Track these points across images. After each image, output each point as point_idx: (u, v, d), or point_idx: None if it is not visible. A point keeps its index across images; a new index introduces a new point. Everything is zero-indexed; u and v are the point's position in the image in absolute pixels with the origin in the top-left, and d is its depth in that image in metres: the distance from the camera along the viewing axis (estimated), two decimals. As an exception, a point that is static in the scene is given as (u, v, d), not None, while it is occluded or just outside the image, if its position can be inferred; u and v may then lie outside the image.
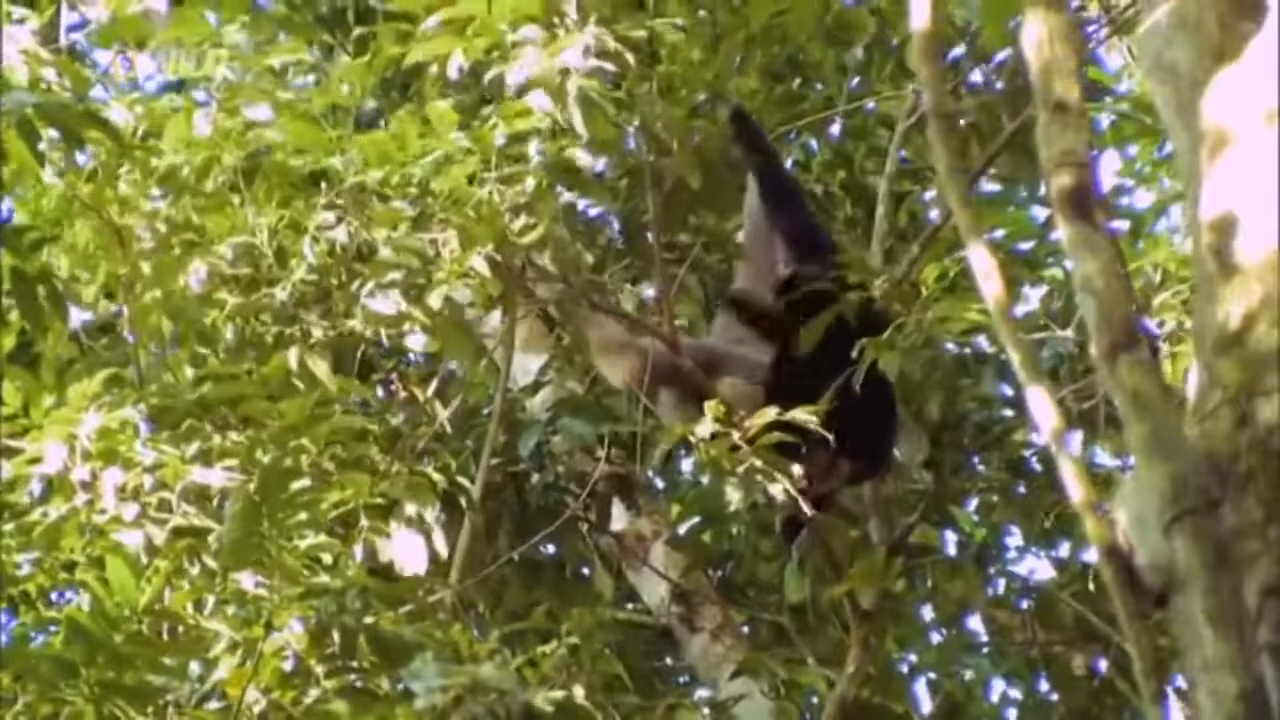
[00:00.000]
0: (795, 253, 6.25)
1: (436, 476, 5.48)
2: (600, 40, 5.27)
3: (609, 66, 5.28)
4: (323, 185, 5.28)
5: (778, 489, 5.61)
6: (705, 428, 5.56)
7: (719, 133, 5.79)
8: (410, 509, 5.34)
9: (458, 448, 6.34)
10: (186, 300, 5.27)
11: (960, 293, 5.84)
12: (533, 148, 5.26)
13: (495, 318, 6.64)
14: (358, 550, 5.21)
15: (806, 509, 5.69)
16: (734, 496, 6.24)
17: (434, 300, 5.20)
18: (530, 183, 5.22)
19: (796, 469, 5.63)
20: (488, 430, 6.22)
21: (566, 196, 5.41)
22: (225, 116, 5.39)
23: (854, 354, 5.76)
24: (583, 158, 5.27)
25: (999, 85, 6.86)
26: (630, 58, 5.32)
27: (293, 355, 5.20)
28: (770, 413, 5.55)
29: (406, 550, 5.28)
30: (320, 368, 5.19)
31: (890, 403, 6.18)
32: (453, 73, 5.38)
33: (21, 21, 5.20)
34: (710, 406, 5.59)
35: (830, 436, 5.62)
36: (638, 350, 6.20)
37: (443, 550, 5.47)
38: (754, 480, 5.62)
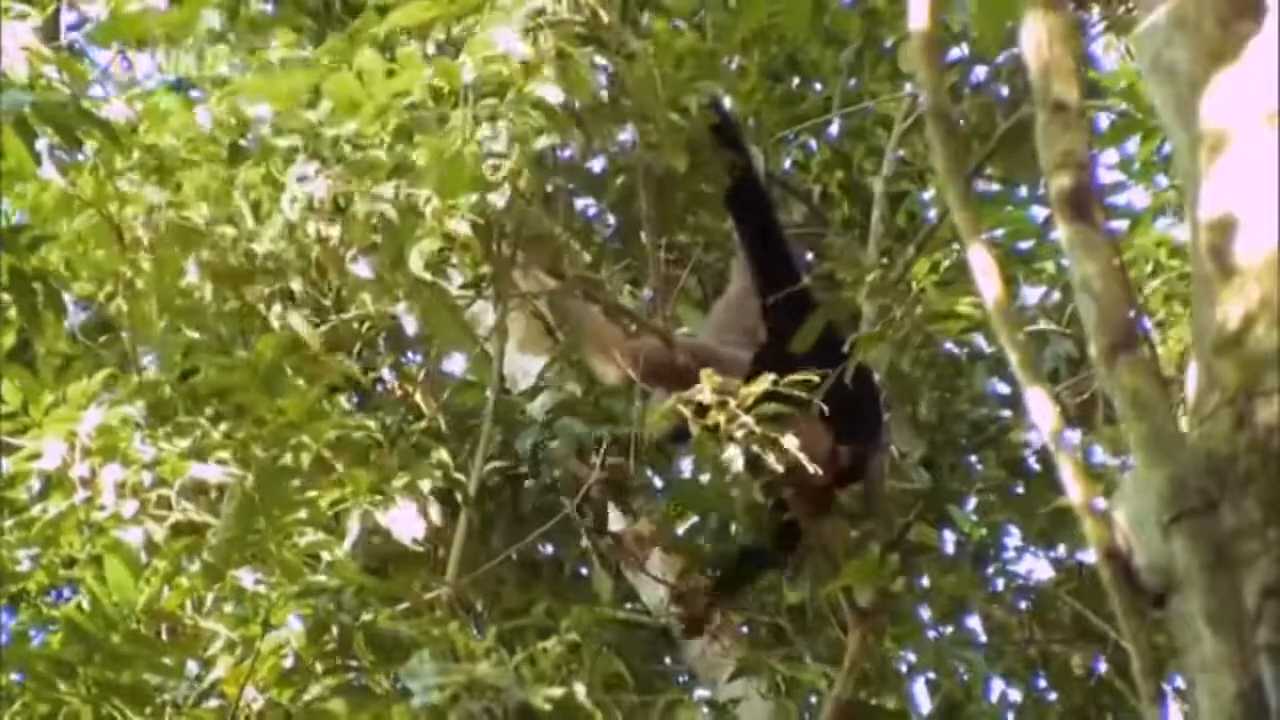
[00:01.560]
0: (762, 285, 6.25)
1: (433, 474, 5.47)
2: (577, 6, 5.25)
3: (576, 18, 5.24)
4: (300, 143, 5.25)
5: (772, 461, 5.61)
6: (703, 393, 5.56)
7: (707, 116, 5.76)
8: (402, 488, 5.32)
9: (455, 448, 6.34)
10: (180, 290, 5.26)
11: (953, 286, 5.85)
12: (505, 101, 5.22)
13: (490, 316, 6.64)
14: (355, 524, 5.18)
15: (811, 468, 5.69)
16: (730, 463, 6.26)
17: (414, 260, 5.16)
18: (502, 125, 5.17)
19: (792, 440, 5.62)
20: (483, 428, 6.22)
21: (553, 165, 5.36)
22: (224, 112, 5.38)
23: (843, 349, 5.81)
24: (550, 94, 5.21)
25: (996, 87, 6.86)
26: (604, 15, 5.28)
27: (274, 314, 5.18)
28: (766, 380, 5.55)
29: (402, 520, 5.26)
30: (298, 321, 5.17)
31: (878, 400, 6.22)
32: (430, 49, 5.35)
33: (23, 18, 5.19)
34: (706, 375, 5.59)
35: (828, 417, 5.67)
36: (632, 345, 6.21)
37: (438, 521, 5.45)
38: (749, 453, 5.61)
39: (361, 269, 5.18)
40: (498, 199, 5.18)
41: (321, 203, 5.12)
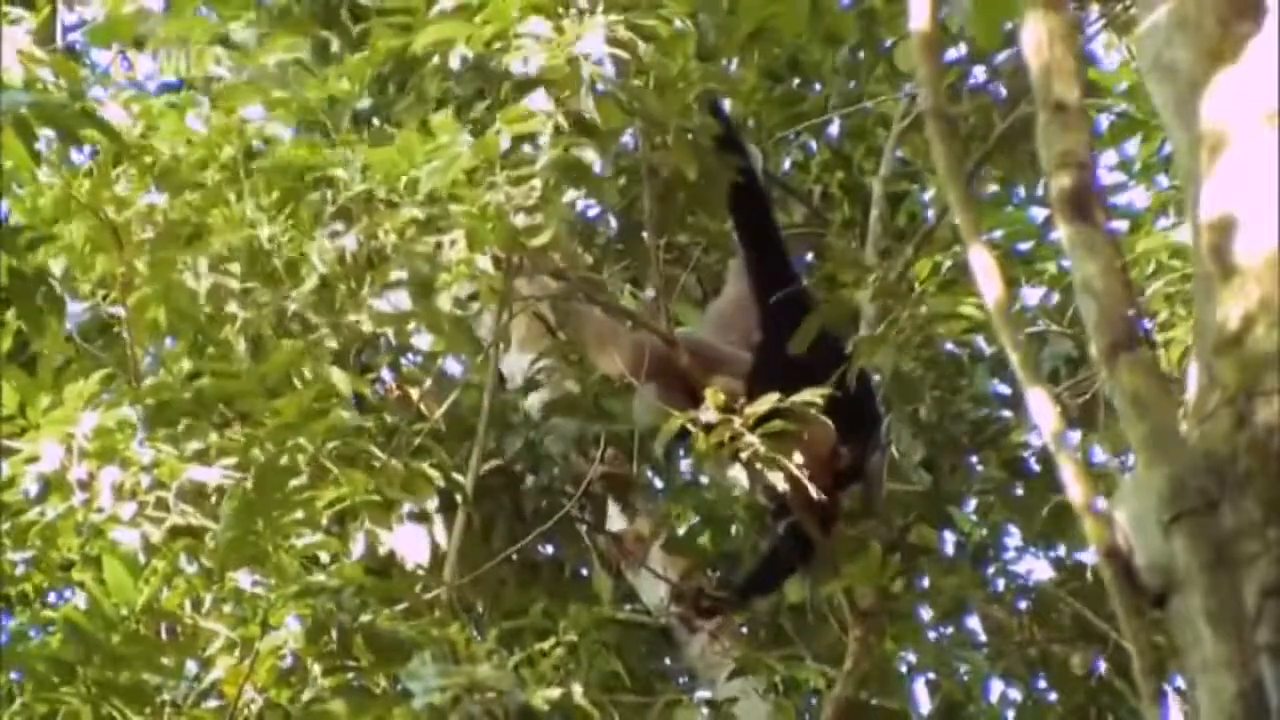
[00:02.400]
0: (760, 292, 6.26)
1: (432, 473, 5.47)
2: (612, 29, 5.24)
3: (621, 54, 5.25)
4: (327, 192, 5.27)
5: (777, 477, 5.63)
6: (707, 415, 5.58)
7: (713, 126, 5.77)
8: (409, 505, 5.33)
9: (454, 447, 6.34)
10: (184, 295, 5.26)
11: (954, 288, 5.86)
12: (540, 143, 5.23)
13: (492, 316, 6.64)
14: (359, 543, 5.19)
15: (814, 492, 5.71)
16: (733, 488, 6.26)
17: (442, 302, 5.19)
18: (537, 184, 5.20)
19: (797, 457, 5.65)
20: (479, 428, 6.23)
21: (571, 195, 5.38)
22: (222, 114, 5.38)
23: (840, 351, 5.83)
24: (588, 155, 5.23)
25: (996, 87, 6.86)
26: (642, 46, 5.29)
27: (308, 369, 5.19)
28: (771, 398, 5.57)
29: (407, 542, 5.27)
30: (337, 375, 5.19)
31: (874, 400, 6.23)
32: (454, 63, 5.35)
33: (16, 22, 5.19)
34: (710, 394, 5.61)
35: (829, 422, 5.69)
36: (634, 342, 6.22)
37: (443, 541, 5.46)
38: (755, 470, 5.63)
39: (383, 303, 5.20)
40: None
41: (353, 256, 5.15)
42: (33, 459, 4.87)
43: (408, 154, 5.19)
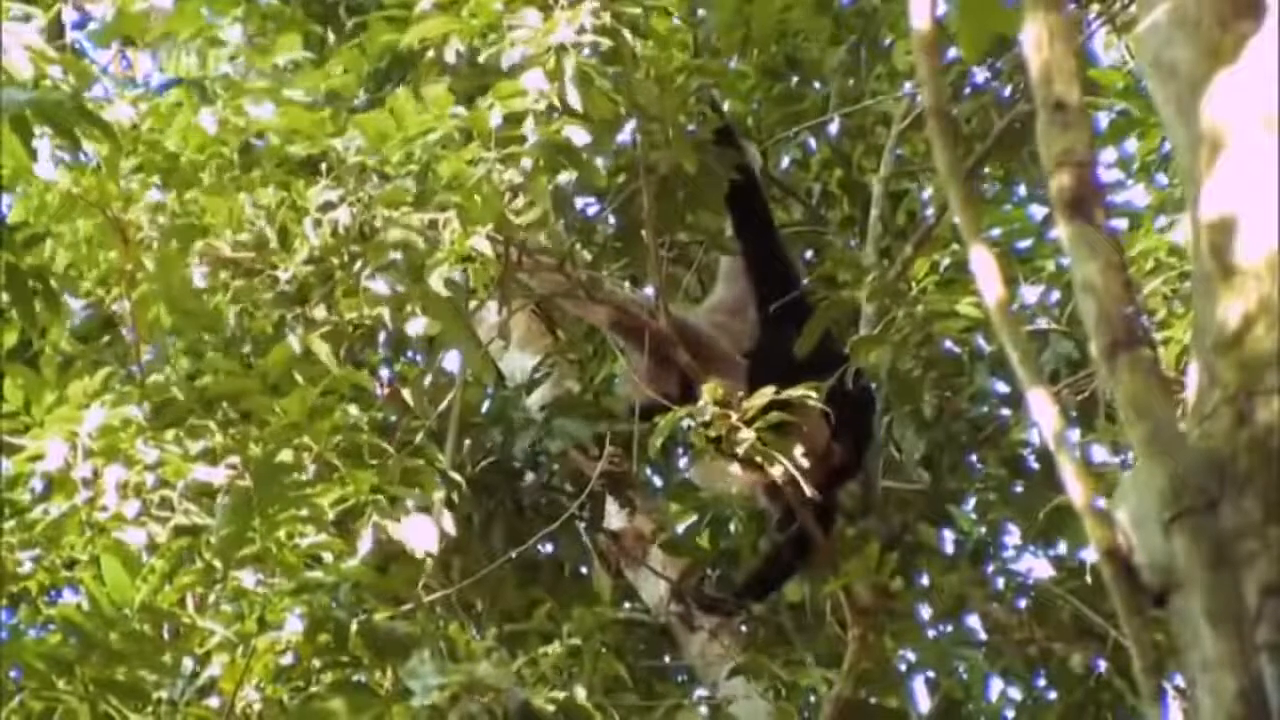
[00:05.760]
0: (758, 287, 6.28)
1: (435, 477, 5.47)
2: (597, 18, 5.25)
3: (605, 41, 5.26)
4: (322, 168, 5.28)
5: (774, 472, 5.64)
6: (705, 411, 5.59)
7: (712, 120, 5.78)
8: (413, 500, 5.33)
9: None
10: (187, 291, 5.27)
11: (953, 286, 5.86)
12: (528, 127, 5.23)
13: (491, 313, 6.64)
14: (366, 536, 5.17)
15: (809, 490, 5.72)
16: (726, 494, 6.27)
17: (434, 281, 5.19)
18: (527, 163, 5.20)
19: (798, 449, 5.66)
20: (484, 428, 6.24)
21: (563, 178, 5.38)
22: (230, 114, 5.38)
23: (837, 350, 5.84)
24: (577, 136, 5.24)
25: (999, 86, 6.86)
26: (628, 34, 5.30)
27: (295, 340, 5.19)
28: (768, 393, 5.58)
29: (415, 532, 5.26)
30: (322, 349, 5.19)
31: (870, 397, 6.25)
32: (450, 57, 5.36)
33: (27, 19, 5.19)
34: (709, 389, 5.62)
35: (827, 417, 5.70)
36: (633, 315, 6.23)
37: (451, 530, 5.46)
38: (753, 467, 5.64)
39: (378, 284, 5.20)
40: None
41: (346, 229, 5.15)
42: (37, 457, 4.87)
43: (400, 120, 5.20)
